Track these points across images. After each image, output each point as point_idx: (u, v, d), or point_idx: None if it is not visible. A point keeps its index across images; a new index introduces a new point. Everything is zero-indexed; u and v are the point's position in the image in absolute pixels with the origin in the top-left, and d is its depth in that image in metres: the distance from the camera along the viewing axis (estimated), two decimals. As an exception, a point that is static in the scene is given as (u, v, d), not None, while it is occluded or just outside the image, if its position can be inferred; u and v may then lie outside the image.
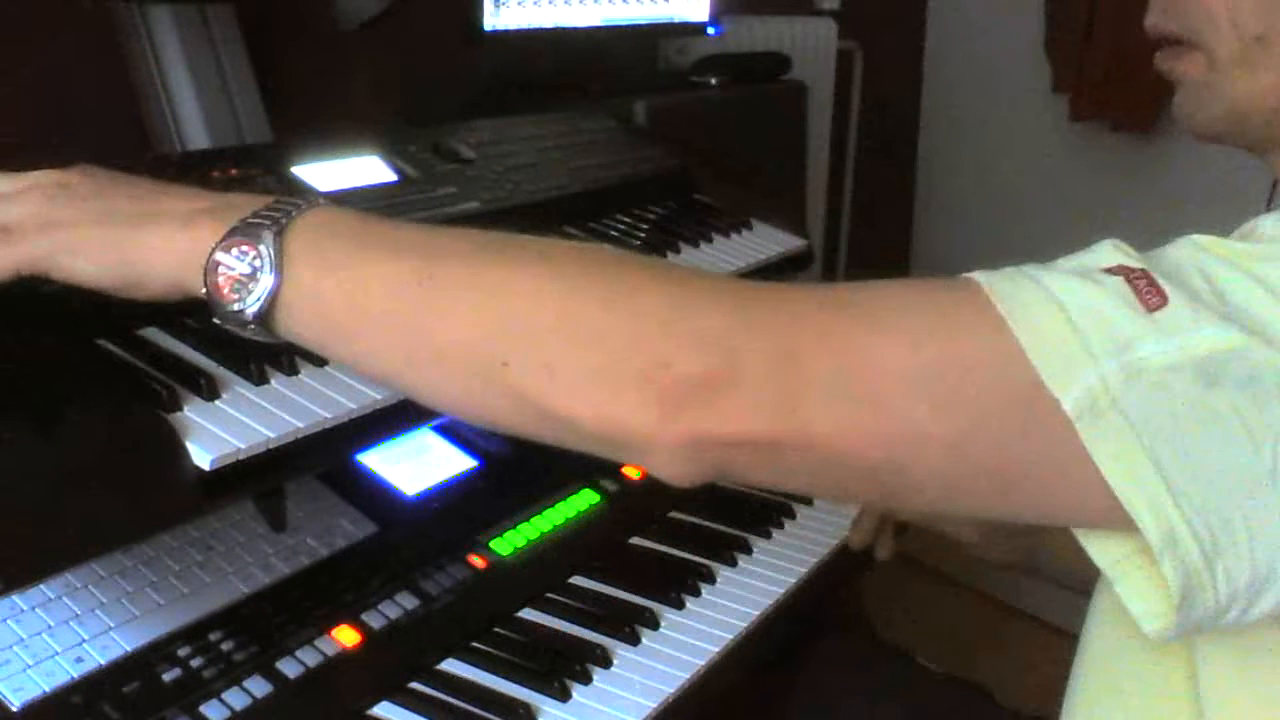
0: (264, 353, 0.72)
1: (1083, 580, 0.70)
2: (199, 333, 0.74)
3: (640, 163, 1.28)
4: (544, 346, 0.54)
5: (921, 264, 2.59)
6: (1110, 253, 0.53)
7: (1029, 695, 0.98)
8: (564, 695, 0.82)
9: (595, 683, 0.84)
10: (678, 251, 1.15)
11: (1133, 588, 0.53)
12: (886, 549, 1.09)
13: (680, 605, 0.95)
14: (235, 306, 0.58)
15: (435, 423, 0.96)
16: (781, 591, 1.00)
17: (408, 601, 0.87)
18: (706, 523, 1.10)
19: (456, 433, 1.06)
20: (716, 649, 0.90)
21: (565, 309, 0.54)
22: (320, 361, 0.74)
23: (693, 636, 0.91)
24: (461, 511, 1.00)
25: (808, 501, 1.15)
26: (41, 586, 0.76)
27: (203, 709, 0.73)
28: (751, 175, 1.48)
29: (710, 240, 1.20)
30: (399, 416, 0.75)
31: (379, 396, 0.73)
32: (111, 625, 0.76)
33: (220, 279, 0.58)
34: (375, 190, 0.98)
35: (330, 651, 0.80)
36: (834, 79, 2.03)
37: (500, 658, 0.85)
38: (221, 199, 0.63)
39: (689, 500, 1.12)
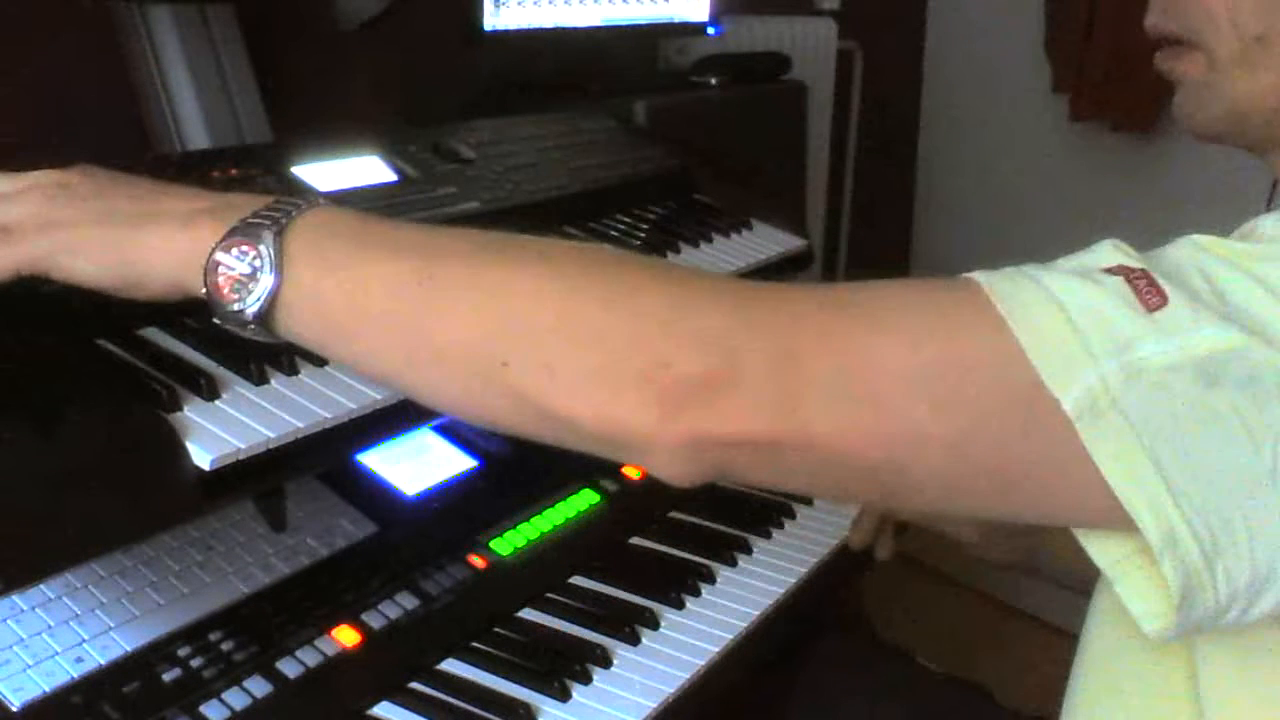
0: (264, 353, 0.72)
1: (1083, 580, 0.70)
2: (199, 333, 0.74)
3: (640, 163, 1.28)
4: (544, 346, 0.54)
5: (921, 264, 2.59)
6: (1110, 253, 0.53)
7: (1029, 695, 0.98)
8: (564, 695, 0.82)
9: (595, 683, 0.84)
10: (678, 251, 1.15)
11: (1133, 588, 0.53)
12: (886, 549, 1.09)
13: (680, 605, 0.95)
14: (235, 306, 0.58)
15: (435, 423, 0.96)
16: (781, 591, 1.00)
17: (408, 601, 0.87)
18: (706, 523, 1.10)
19: (456, 433, 1.06)
20: (716, 649, 0.90)
21: (565, 309, 0.54)
22: (320, 361, 0.74)
23: (693, 636, 0.91)
24: (461, 511, 1.00)
25: (808, 501, 1.15)
26: (41, 586, 0.76)
27: (203, 709, 0.73)
28: (751, 175, 1.48)
29: (710, 240, 1.20)
30: (399, 416, 0.75)
31: (379, 396, 0.73)
32: (111, 625, 0.76)
33: (220, 279, 0.58)
34: (375, 190, 0.98)
35: (330, 651, 0.80)
36: (834, 79, 2.03)
37: (500, 658, 0.85)
38: (221, 199, 0.63)
39: (689, 500, 1.12)
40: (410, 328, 0.57)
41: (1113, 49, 2.08)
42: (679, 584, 0.97)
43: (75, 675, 0.72)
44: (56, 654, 0.73)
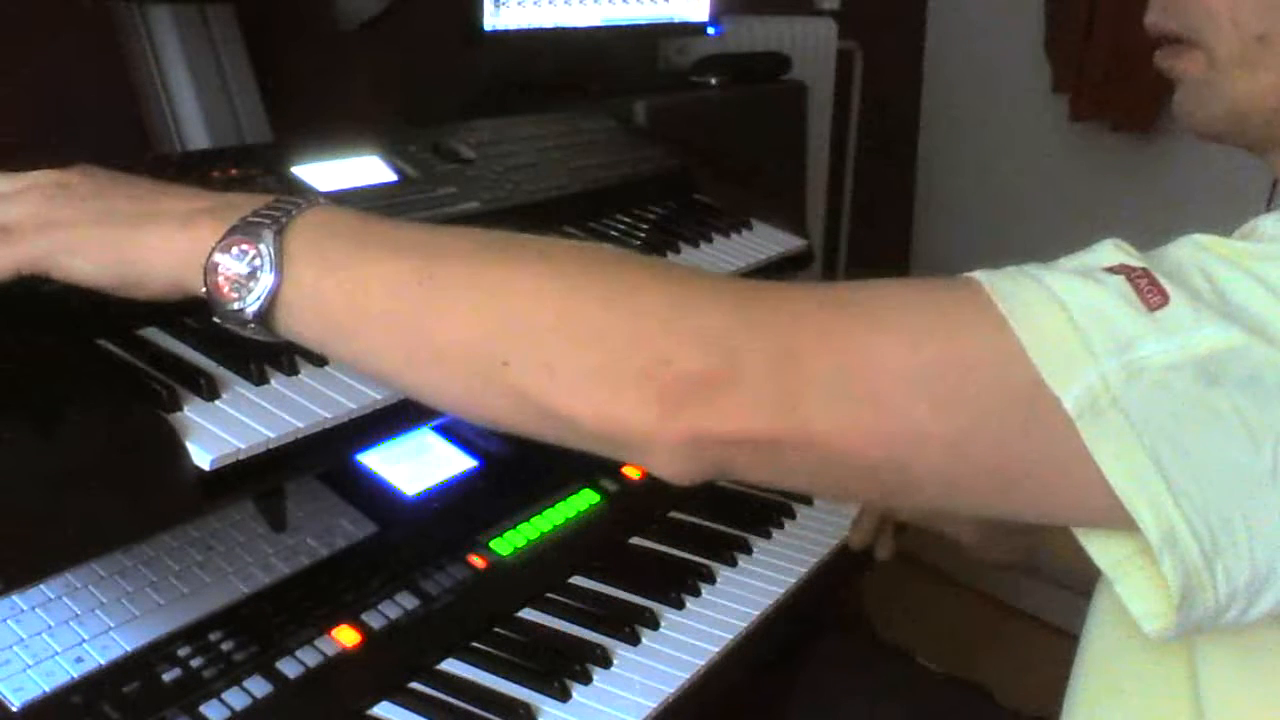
0: (264, 353, 0.72)
1: (1083, 580, 0.70)
2: (199, 333, 0.74)
3: (640, 163, 1.28)
4: (544, 345, 0.54)
5: (921, 264, 2.59)
6: (1111, 252, 0.53)
7: (1029, 695, 0.98)
8: (564, 695, 0.82)
9: (595, 683, 0.84)
10: (678, 251, 1.15)
11: (1133, 588, 0.53)
12: (886, 549, 1.09)
13: (680, 605, 0.95)
14: (235, 306, 0.58)
15: (435, 423, 0.96)
16: (781, 591, 1.00)
17: (408, 601, 0.87)
18: (706, 523, 1.10)
19: (456, 433, 1.06)
20: (716, 649, 0.90)
21: (565, 308, 0.54)
22: (320, 361, 0.74)
23: (693, 636, 0.91)
24: (461, 511, 1.00)
25: (808, 501, 1.15)
26: (41, 586, 0.76)
27: (203, 709, 0.73)
28: (751, 175, 1.48)
29: (710, 240, 1.20)
30: (399, 416, 0.75)
31: (379, 396, 0.73)
32: (111, 625, 0.76)
33: (220, 278, 0.58)
34: (375, 190, 0.98)
35: (330, 651, 0.80)
36: (834, 79, 2.03)
37: (500, 658, 0.85)
38: (221, 199, 0.63)
39: (689, 500, 1.12)
40: (410, 327, 0.57)
41: (1113, 49, 2.08)
42: (679, 584, 0.97)
43: (75, 675, 0.72)
44: (56, 654, 0.73)
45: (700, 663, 0.88)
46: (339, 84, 1.24)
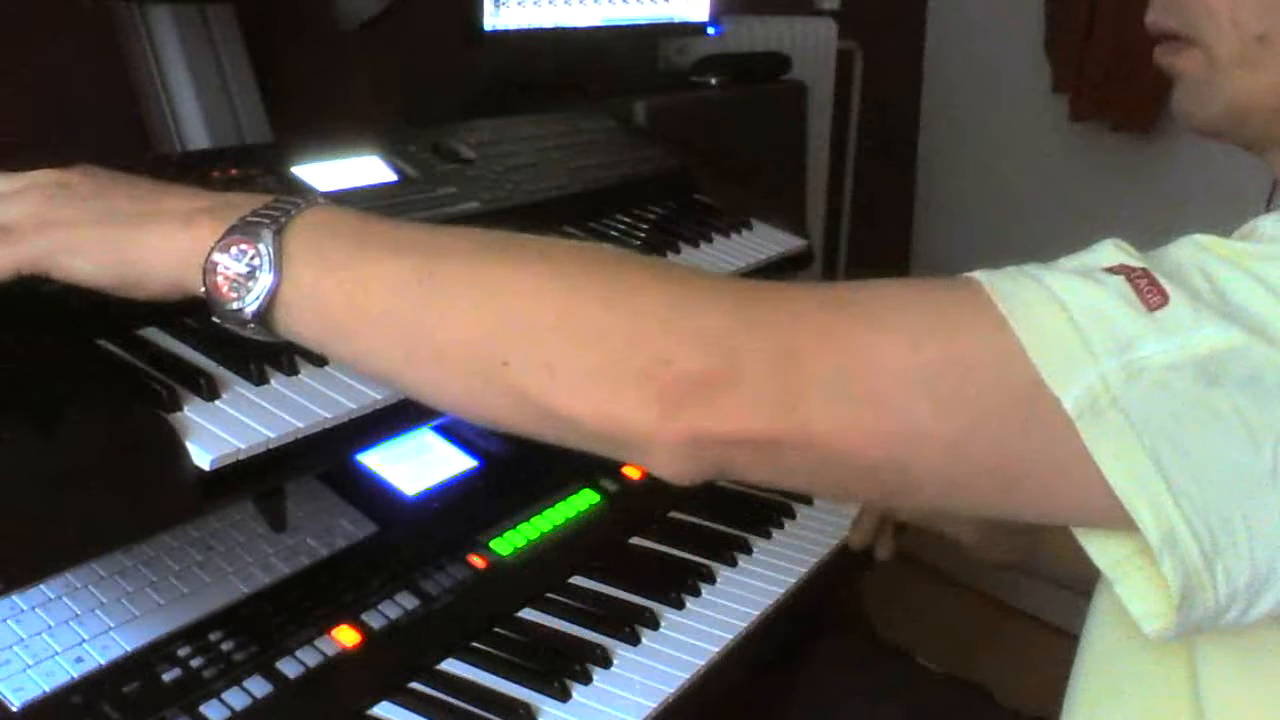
0: (264, 353, 0.72)
1: (1083, 581, 0.70)
2: (199, 333, 0.74)
3: (640, 163, 1.28)
4: (544, 345, 0.54)
5: (921, 264, 2.59)
6: (1111, 252, 0.53)
7: (1029, 695, 0.98)
8: (564, 695, 0.82)
9: (595, 683, 0.84)
10: (678, 251, 1.15)
11: (1133, 588, 0.53)
12: (886, 549, 1.09)
13: (680, 605, 0.95)
14: (234, 305, 0.58)
15: (435, 423, 0.96)
16: (781, 591, 1.00)
17: (408, 601, 0.87)
18: (706, 523, 1.10)
19: (456, 433, 1.06)
20: (716, 649, 0.90)
21: (565, 308, 0.54)
22: (320, 361, 0.74)
23: (693, 636, 0.91)
24: (461, 511, 1.00)
25: (808, 501, 1.15)
26: (41, 586, 0.76)
27: (203, 709, 0.73)
28: (751, 175, 1.48)
29: (710, 240, 1.20)
30: (399, 416, 0.75)
31: (379, 396, 0.73)
32: (111, 625, 0.76)
33: (219, 278, 0.58)
34: (375, 190, 0.98)
35: (330, 651, 0.80)
36: (834, 79, 2.03)
37: (500, 658, 0.85)
38: (221, 198, 0.63)
39: (689, 500, 1.12)
40: (410, 326, 0.57)
41: (1113, 48, 2.08)
42: (679, 584, 0.97)
43: (75, 675, 0.72)
44: (56, 654, 0.73)
45: (700, 663, 0.88)
46: (339, 84, 1.24)
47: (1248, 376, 0.49)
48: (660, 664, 0.87)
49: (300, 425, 0.69)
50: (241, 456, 0.66)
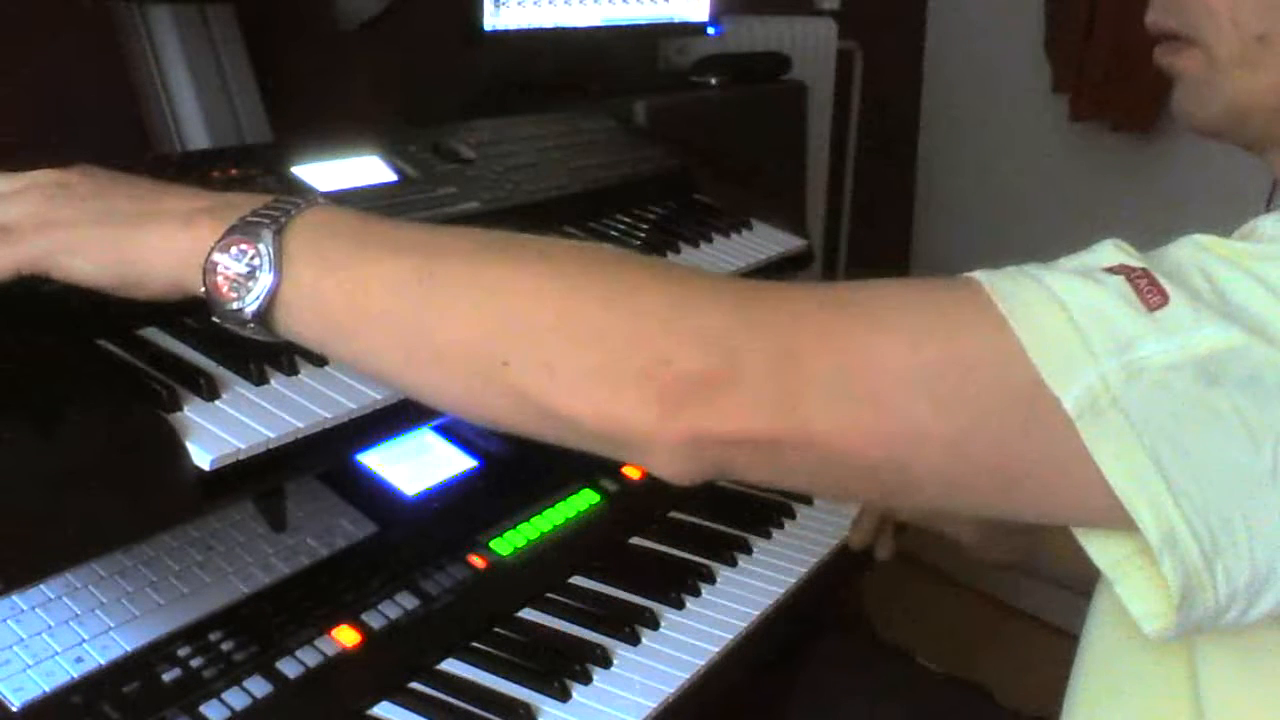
0: (264, 353, 0.72)
1: (1083, 581, 0.70)
2: (199, 333, 0.74)
3: (640, 163, 1.28)
4: (544, 345, 0.54)
5: (921, 264, 2.59)
6: (1111, 252, 0.53)
7: (1029, 695, 0.98)
8: (564, 695, 0.82)
9: (595, 683, 0.84)
10: (678, 251, 1.15)
11: (1133, 588, 0.53)
12: (886, 549, 1.09)
13: (680, 605, 0.95)
14: (234, 305, 0.58)
15: (435, 423, 0.96)
16: (781, 591, 1.00)
17: (408, 601, 0.87)
18: (706, 523, 1.10)
19: (456, 433, 1.06)
20: (716, 649, 0.90)
21: (565, 308, 0.54)
22: (320, 361, 0.74)
23: (693, 636, 0.91)
24: (461, 511, 1.00)
25: (808, 501, 1.15)
26: (41, 586, 0.76)
27: (203, 709, 0.73)
28: (751, 175, 1.48)
29: (710, 240, 1.20)
30: (399, 416, 0.75)
31: (379, 396, 0.73)
32: (111, 625, 0.76)
33: (219, 278, 0.58)
34: (375, 190, 0.98)
35: (330, 651, 0.80)
36: (834, 79, 2.03)
37: (500, 658, 0.85)
38: (221, 198, 0.63)
39: (689, 500, 1.12)
40: (410, 327, 0.57)
41: (1113, 49, 2.08)
42: (679, 584, 0.97)
43: (75, 675, 0.72)
44: (56, 654, 0.73)
45: (700, 663, 0.88)
46: (339, 84, 1.24)
47: (1248, 376, 0.49)
48: (660, 664, 0.87)
49: (300, 425, 0.69)
50: (241, 456, 0.66)
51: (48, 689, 0.70)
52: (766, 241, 1.25)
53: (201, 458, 0.64)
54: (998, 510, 0.58)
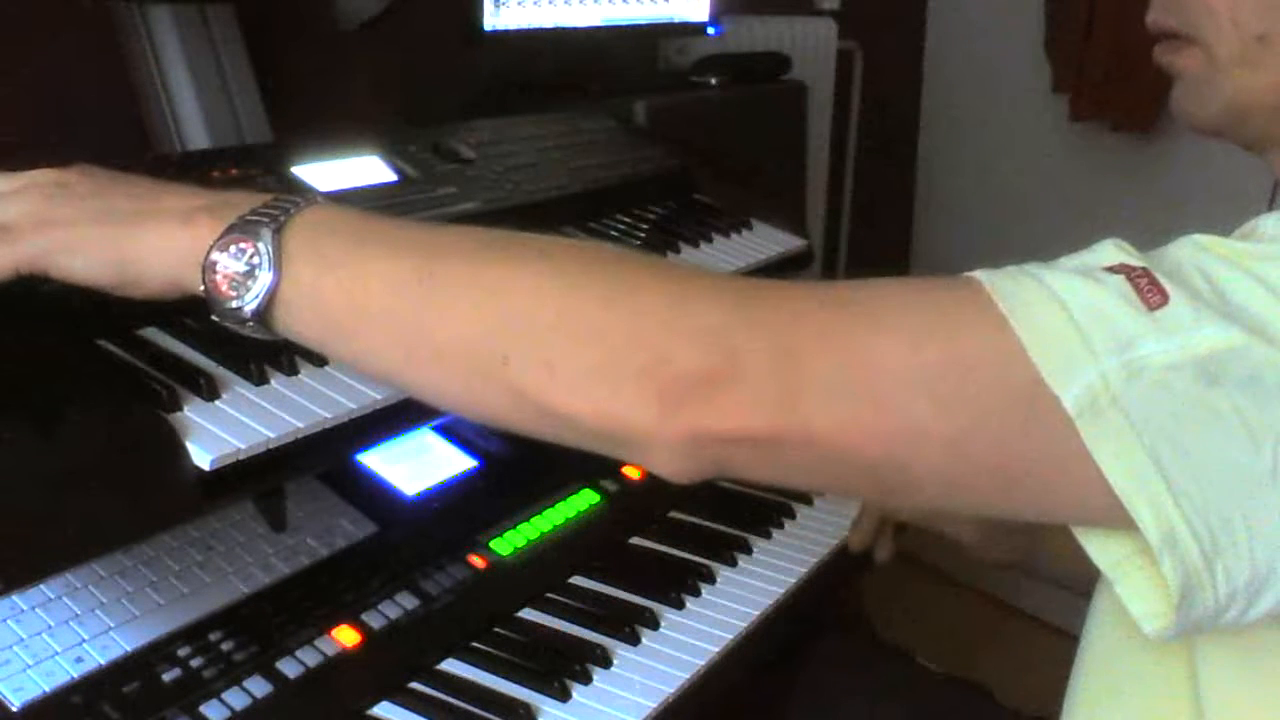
0: (264, 353, 0.72)
1: (1083, 581, 0.70)
2: (199, 333, 0.74)
3: (640, 163, 1.28)
4: (544, 344, 0.54)
5: (921, 264, 2.59)
6: (1112, 252, 0.53)
7: (1029, 695, 0.98)
8: (564, 695, 0.82)
9: (595, 683, 0.84)
10: (678, 251, 1.15)
11: (1132, 588, 0.53)
12: (886, 550, 1.09)
13: (680, 605, 0.95)
14: (233, 304, 0.58)
15: (435, 423, 0.96)
16: (781, 591, 1.00)
17: (408, 601, 0.87)
18: (706, 523, 1.10)
19: (456, 433, 1.06)
20: (716, 649, 0.90)
21: (565, 306, 0.54)
22: (320, 361, 0.74)
23: (693, 636, 0.91)
24: (461, 511, 1.00)
25: (808, 501, 1.15)
26: (41, 586, 0.76)
27: (203, 709, 0.73)
28: (751, 175, 1.48)
29: (710, 240, 1.20)
30: (399, 416, 0.75)
31: (379, 396, 0.73)
32: (111, 625, 0.76)
33: (218, 276, 0.58)
34: (375, 190, 0.98)
35: (330, 651, 0.80)
36: (834, 79, 2.04)
37: (500, 658, 0.85)
38: (220, 197, 0.63)
39: (689, 500, 1.12)
40: (410, 325, 0.57)
41: (1113, 49, 2.08)
42: (679, 584, 0.97)
43: (75, 675, 0.72)
44: (56, 654, 0.73)
45: (700, 663, 0.88)
46: (339, 84, 1.24)
47: (1248, 376, 0.49)
48: (660, 664, 0.87)
49: (300, 425, 0.69)
50: (241, 456, 0.66)
51: (48, 689, 0.70)
52: (766, 241, 1.25)
53: (201, 458, 0.64)
54: (998, 510, 0.58)
